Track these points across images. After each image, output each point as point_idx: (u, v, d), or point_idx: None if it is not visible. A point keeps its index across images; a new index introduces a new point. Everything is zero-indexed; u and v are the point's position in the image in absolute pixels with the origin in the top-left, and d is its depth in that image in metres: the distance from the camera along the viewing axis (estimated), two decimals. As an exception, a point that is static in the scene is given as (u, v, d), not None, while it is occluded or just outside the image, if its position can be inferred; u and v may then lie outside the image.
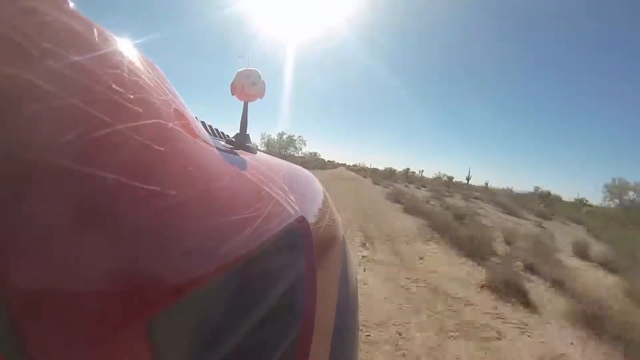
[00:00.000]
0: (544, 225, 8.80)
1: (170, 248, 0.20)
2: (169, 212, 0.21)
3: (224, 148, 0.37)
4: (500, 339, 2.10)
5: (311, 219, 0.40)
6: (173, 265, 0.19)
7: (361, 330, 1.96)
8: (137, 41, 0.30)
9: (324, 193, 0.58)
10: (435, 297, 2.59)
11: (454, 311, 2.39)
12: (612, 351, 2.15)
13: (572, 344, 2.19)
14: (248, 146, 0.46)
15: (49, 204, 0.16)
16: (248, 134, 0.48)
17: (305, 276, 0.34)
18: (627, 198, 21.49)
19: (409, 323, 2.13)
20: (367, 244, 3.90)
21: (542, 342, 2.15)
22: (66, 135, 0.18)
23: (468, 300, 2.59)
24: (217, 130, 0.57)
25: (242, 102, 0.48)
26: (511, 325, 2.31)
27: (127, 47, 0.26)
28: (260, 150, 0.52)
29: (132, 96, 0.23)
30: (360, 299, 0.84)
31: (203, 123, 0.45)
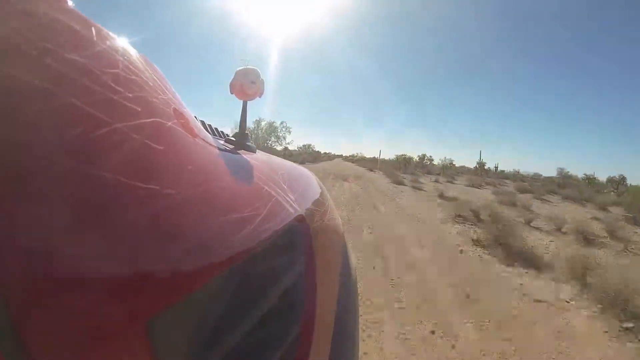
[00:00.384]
0: None
1: (169, 247, 0.19)
2: (168, 212, 0.20)
3: (223, 147, 0.37)
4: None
5: (311, 218, 0.40)
6: (172, 265, 0.19)
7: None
8: (134, 39, 0.30)
9: (323, 192, 0.58)
10: None
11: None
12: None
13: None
14: (248, 145, 0.46)
15: (49, 203, 0.16)
16: (247, 133, 0.48)
17: (305, 276, 0.34)
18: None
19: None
20: None
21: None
22: (65, 134, 0.17)
23: None
24: (216, 129, 0.57)
25: (241, 101, 0.47)
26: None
27: (125, 46, 0.26)
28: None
29: (130, 95, 0.23)
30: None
31: (202, 122, 0.45)
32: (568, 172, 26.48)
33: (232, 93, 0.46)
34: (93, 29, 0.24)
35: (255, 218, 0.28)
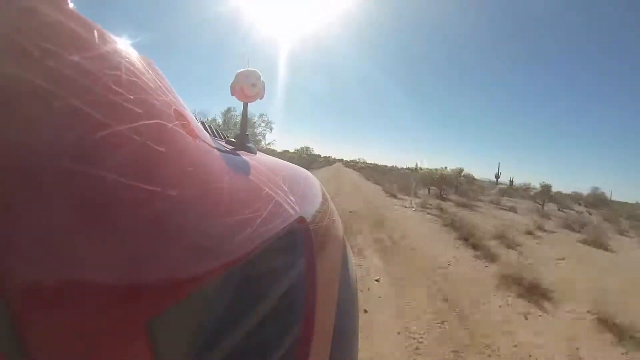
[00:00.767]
0: None
1: (170, 248, 0.20)
2: (169, 213, 0.21)
3: (224, 148, 0.37)
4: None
5: (311, 220, 0.40)
6: (173, 266, 0.19)
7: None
8: (135, 40, 0.30)
9: (324, 193, 0.58)
10: None
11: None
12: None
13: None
14: (248, 146, 0.46)
15: (50, 204, 0.16)
16: (248, 135, 0.48)
17: (305, 276, 0.34)
18: None
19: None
20: None
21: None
22: (66, 136, 0.18)
23: None
24: (217, 130, 0.57)
25: (242, 103, 0.48)
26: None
27: (126, 48, 0.26)
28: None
29: (132, 97, 0.23)
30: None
31: (203, 124, 0.45)
32: (601, 191, 20.77)
33: (232, 95, 0.46)
34: (94, 30, 0.24)
35: (255, 219, 0.28)
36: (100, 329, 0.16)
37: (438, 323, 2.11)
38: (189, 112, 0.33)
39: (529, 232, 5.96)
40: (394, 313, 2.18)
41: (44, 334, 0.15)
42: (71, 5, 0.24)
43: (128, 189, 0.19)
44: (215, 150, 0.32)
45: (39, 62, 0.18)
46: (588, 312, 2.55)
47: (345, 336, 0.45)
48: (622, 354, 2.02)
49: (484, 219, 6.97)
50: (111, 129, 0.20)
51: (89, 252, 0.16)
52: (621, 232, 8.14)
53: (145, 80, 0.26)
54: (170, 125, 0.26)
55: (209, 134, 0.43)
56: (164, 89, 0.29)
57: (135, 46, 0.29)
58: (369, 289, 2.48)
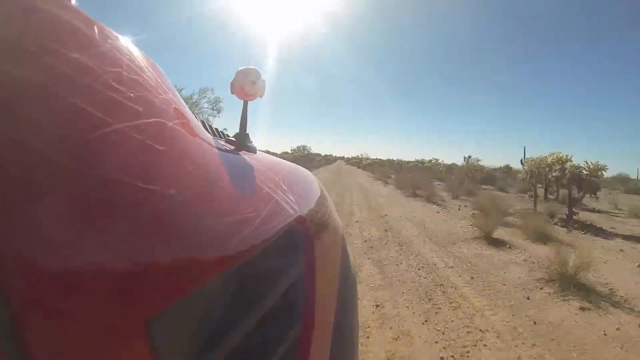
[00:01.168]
0: None
1: (169, 248, 0.19)
2: (168, 212, 0.20)
3: (224, 147, 0.37)
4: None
5: (311, 219, 0.40)
6: (172, 265, 0.19)
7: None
8: (136, 38, 0.30)
9: (323, 192, 0.58)
10: None
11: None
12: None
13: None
14: (248, 146, 0.46)
15: (50, 203, 0.16)
16: (248, 134, 0.48)
17: (304, 276, 0.34)
18: None
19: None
20: None
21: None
22: (66, 134, 0.17)
23: None
24: (217, 129, 0.57)
25: (242, 101, 0.47)
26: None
27: (127, 45, 0.26)
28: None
29: (132, 95, 0.23)
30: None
31: (203, 122, 0.45)
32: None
33: (232, 93, 0.46)
34: (95, 27, 0.24)
35: (255, 219, 0.28)
36: (100, 329, 0.16)
37: None
38: (188, 111, 0.33)
39: None
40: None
41: (44, 334, 0.14)
42: (73, 2, 0.24)
43: (127, 187, 0.19)
44: (215, 149, 0.32)
45: (39, 58, 0.18)
46: None
47: (346, 335, 0.45)
48: None
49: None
50: (111, 127, 0.19)
51: (88, 251, 0.16)
52: None
53: (146, 77, 0.26)
54: (170, 123, 0.25)
55: (209, 132, 0.43)
56: (165, 86, 0.29)
57: (137, 44, 0.29)
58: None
